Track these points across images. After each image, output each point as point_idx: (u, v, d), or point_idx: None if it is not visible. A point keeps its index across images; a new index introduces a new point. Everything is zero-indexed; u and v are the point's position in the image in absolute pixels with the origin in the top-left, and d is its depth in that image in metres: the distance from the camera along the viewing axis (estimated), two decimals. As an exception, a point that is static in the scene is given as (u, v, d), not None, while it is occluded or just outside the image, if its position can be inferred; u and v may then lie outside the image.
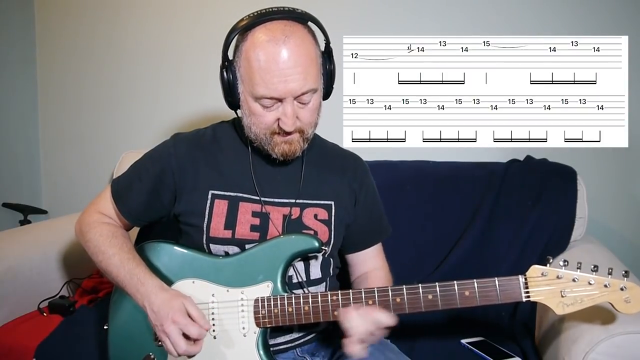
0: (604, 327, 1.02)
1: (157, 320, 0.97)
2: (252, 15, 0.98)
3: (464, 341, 1.34)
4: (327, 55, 1.04)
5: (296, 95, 0.96)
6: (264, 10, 0.97)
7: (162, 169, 1.09)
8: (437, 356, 1.29)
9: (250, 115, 1.02)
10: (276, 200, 1.09)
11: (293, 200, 1.10)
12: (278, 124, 0.99)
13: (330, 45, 1.05)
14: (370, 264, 1.23)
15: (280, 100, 0.97)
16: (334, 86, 1.08)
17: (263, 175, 1.10)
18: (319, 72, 1.01)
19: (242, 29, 0.98)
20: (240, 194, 1.08)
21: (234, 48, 1.02)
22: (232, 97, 1.03)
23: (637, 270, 1.17)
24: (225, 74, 1.01)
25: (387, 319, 0.92)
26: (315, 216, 1.11)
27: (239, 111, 1.08)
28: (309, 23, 1.01)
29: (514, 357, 1.26)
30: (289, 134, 1.00)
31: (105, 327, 1.10)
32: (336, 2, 1.88)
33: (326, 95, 1.07)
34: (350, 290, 0.97)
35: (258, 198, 1.08)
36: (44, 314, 1.52)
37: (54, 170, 2.28)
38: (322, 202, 1.13)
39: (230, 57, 1.02)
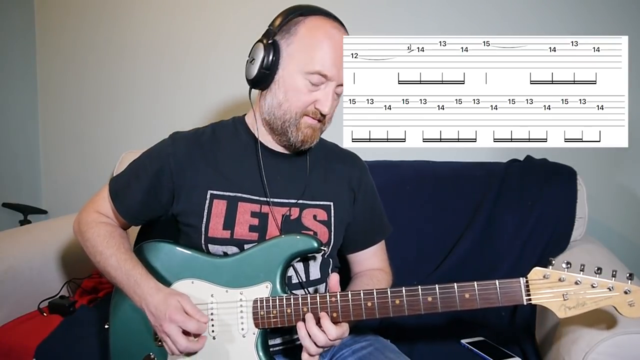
0: (604, 327, 1.02)
1: (157, 321, 0.98)
2: (304, 5, 1.06)
3: (464, 341, 1.34)
4: None
5: (339, 83, 1.03)
6: (316, 7, 1.06)
7: (160, 168, 1.08)
8: (437, 356, 1.29)
9: (288, 92, 1.03)
10: (275, 200, 1.09)
11: (293, 201, 1.10)
12: (314, 106, 1.03)
13: None
14: (369, 263, 1.23)
15: (326, 82, 1.02)
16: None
17: (264, 175, 1.10)
18: None
19: (300, 13, 1.04)
20: (240, 194, 1.08)
21: (283, 29, 1.04)
22: (269, 70, 1.03)
23: (638, 270, 1.17)
24: (267, 49, 1.02)
25: (335, 331, 0.93)
26: (315, 217, 1.11)
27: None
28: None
29: (514, 357, 1.26)
30: (319, 119, 1.04)
31: (106, 327, 1.11)
32: (336, 2, 1.87)
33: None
34: (350, 291, 0.97)
35: (257, 198, 1.08)
36: (44, 314, 1.52)
37: (54, 170, 2.29)
38: (321, 202, 1.13)
39: (276, 36, 1.04)
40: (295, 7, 1.06)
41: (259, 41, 1.05)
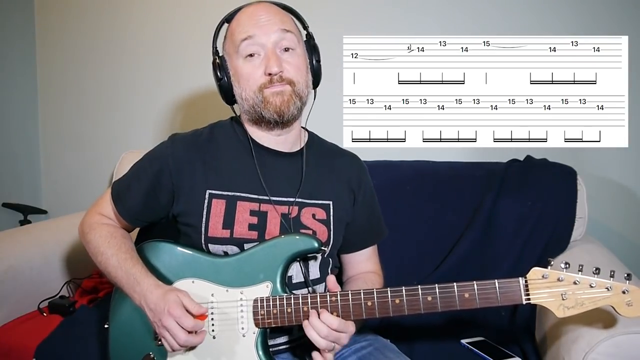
0: (604, 327, 1.02)
1: (155, 317, 0.98)
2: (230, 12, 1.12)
3: (464, 341, 1.34)
4: (309, 36, 1.12)
5: (274, 39, 1.04)
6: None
7: (160, 169, 1.09)
8: (437, 356, 1.29)
9: (241, 82, 1.07)
10: (275, 198, 1.09)
11: (292, 199, 1.10)
12: (265, 74, 1.04)
13: (309, 29, 1.14)
14: (364, 266, 1.23)
15: (260, 47, 1.03)
16: (321, 62, 1.13)
17: (261, 173, 1.10)
18: (298, 34, 1.10)
19: (226, 20, 1.11)
20: (238, 193, 1.08)
21: (220, 42, 1.13)
22: (223, 76, 1.10)
23: (637, 271, 1.17)
24: (215, 63, 1.10)
25: (336, 321, 0.93)
26: (314, 216, 1.11)
27: (235, 106, 1.13)
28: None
29: (514, 357, 1.26)
30: (277, 81, 1.03)
31: (106, 326, 1.11)
32: (336, 2, 1.88)
33: (316, 76, 1.12)
34: (350, 291, 0.97)
35: (256, 196, 1.08)
36: (44, 314, 1.52)
37: (54, 170, 2.29)
38: (321, 201, 1.13)
39: (219, 52, 1.13)
40: (222, 19, 1.13)
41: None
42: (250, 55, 1.04)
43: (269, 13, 1.06)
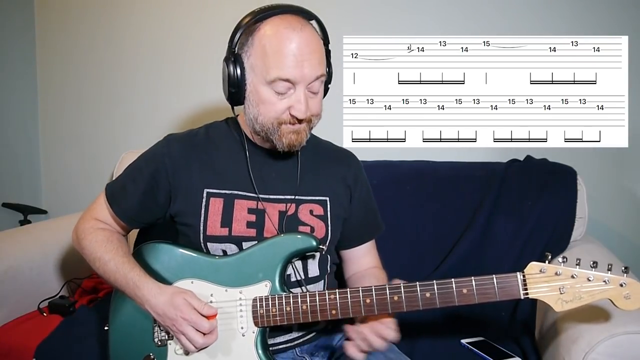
0: (604, 327, 1.02)
1: (167, 322, 0.98)
2: (260, 9, 1.00)
3: (464, 341, 1.34)
4: (327, 54, 1.06)
5: (309, 81, 0.99)
6: (274, 5, 1.01)
7: (156, 169, 1.09)
8: (437, 356, 1.29)
9: (259, 105, 1.01)
10: (272, 196, 1.09)
11: (289, 197, 1.10)
12: (289, 113, 1.00)
13: (329, 45, 1.07)
14: (364, 261, 1.23)
15: (293, 85, 0.98)
16: (329, 86, 1.10)
17: (258, 171, 1.10)
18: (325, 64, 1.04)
19: (255, 20, 1.00)
20: (236, 192, 1.08)
21: (241, 41, 1.02)
22: (237, 88, 1.02)
23: (638, 270, 1.17)
24: (230, 66, 1.01)
25: (392, 334, 0.94)
26: (311, 212, 1.11)
27: (238, 108, 1.09)
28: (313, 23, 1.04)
29: (514, 357, 1.26)
30: (299, 122, 1.00)
31: (105, 329, 1.11)
32: (336, 2, 1.88)
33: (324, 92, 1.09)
34: (348, 289, 0.97)
35: (254, 195, 1.08)
36: (44, 314, 1.52)
37: (54, 170, 2.28)
38: (318, 198, 1.13)
39: (236, 51, 1.02)
40: (250, 13, 1.01)
41: (224, 59, 1.03)
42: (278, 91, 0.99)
43: (310, 52, 0.98)
